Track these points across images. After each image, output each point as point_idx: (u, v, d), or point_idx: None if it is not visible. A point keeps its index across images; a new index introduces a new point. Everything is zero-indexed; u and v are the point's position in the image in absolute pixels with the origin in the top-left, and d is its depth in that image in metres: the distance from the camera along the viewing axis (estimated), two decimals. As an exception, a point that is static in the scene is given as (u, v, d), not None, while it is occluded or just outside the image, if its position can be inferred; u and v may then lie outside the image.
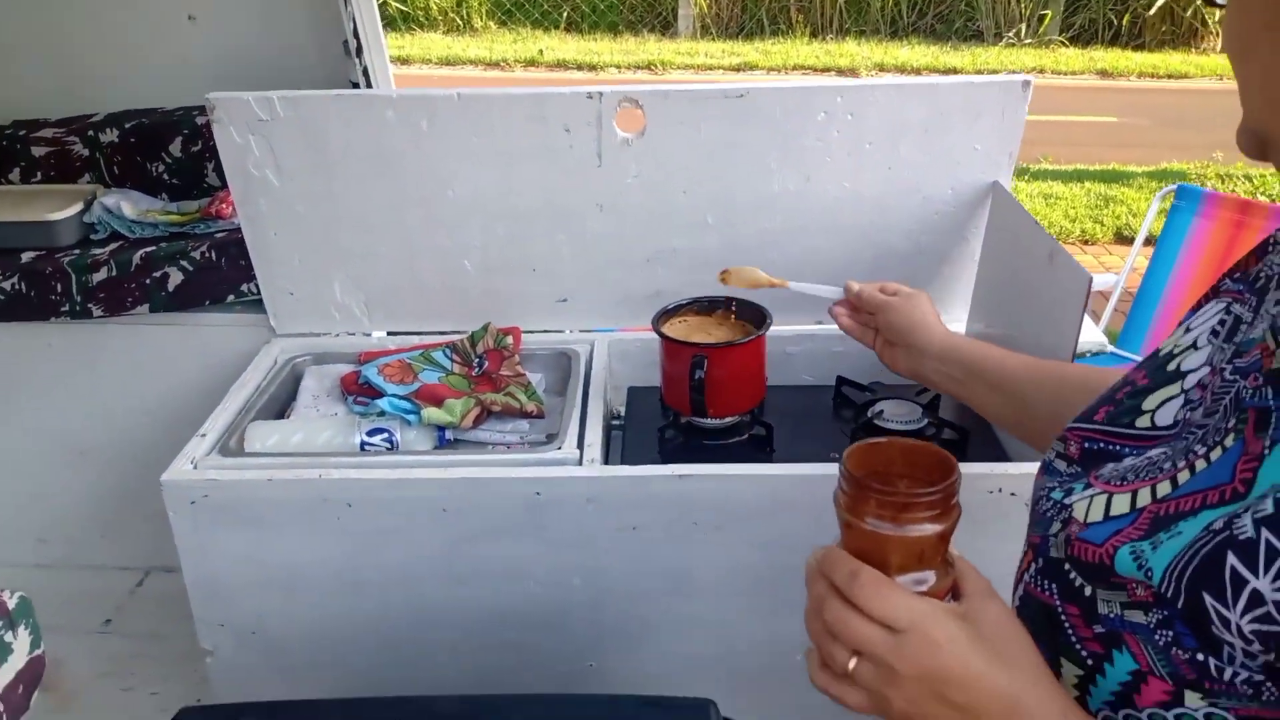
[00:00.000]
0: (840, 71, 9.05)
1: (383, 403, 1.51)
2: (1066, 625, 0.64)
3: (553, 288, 1.70)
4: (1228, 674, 0.57)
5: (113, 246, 1.87)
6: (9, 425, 1.97)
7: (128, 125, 2.01)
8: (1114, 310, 3.20)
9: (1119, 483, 0.65)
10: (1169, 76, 9.17)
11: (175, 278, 1.79)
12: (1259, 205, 2.98)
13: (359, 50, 1.85)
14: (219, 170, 2.03)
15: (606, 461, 1.48)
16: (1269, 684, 0.56)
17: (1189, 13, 9.89)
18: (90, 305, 1.80)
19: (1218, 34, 9.97)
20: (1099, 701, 0.63)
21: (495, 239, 1.65)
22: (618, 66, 9.44)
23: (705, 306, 1.56)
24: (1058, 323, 1.30)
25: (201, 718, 1.04)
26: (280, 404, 1.62)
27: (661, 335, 1.48)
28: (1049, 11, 10.13)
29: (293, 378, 1.67)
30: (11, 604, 1.12)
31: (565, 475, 1.35)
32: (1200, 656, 0.57)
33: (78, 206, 1.91)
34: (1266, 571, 0.53)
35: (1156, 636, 0.59)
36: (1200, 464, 0.61)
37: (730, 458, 1.45)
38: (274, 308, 1.75)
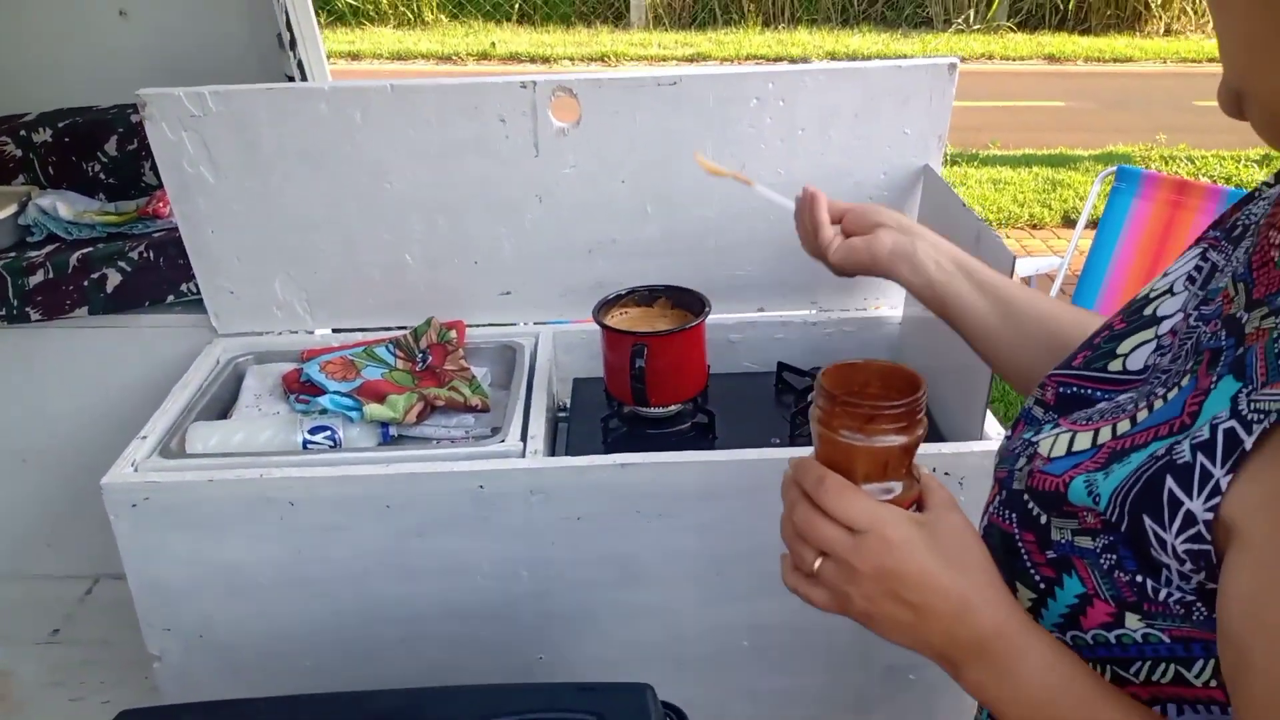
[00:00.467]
0: (793, 60, 9.09)
1: (325, 400, 1.50)
2: (1023, 551, 0.67)
3: (495, 280, 1.70)
4: (1163, 594, 0.60)
5: (49, 249, 1.84)
6: (-52, 434, 1.94)
7: (61, 124, 1.97)
8: (1059, 292, 3.25)
9: (1084, 422, 0.68)
10: (1114, 60, 9.31)
11: (114, 279, 1.77)
12: (1196, 185, 3.04)
13: (293, 43, 1.83)
14: (156, 169, 2.01)
15: (553, 453, 1.49)
16: (1199, 604, 0.59)
17: (1132, -4, 10.04)
18: (27, 309, 1.77)
19: (1160, 17, 10.13)
20: (1048, 624, 0.67)
21: (435, 232, 1.65)
22: (571, 58, 9.41)
23: (645, 297, 1.57)
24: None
25: (140, 720, 1.04)
26: (222, 404, 1.61)
27: (602, 326, 1.49)
28: (996, -3, 10.25)
29: (235, 377, 1.66)
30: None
31: (508, 468, 1.35)
32: (1140, 579, 0.61)
33: (12, 208, 1.88)
34: (1200, 493, 0.56)
35: (1102, 560, 0.62)
36: (1158, 404, 0.64)
37: (673, 446, 1.46)
38: (214, 307, 1.73)
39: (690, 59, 9.34)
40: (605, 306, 1.53)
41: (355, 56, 9.43)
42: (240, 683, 1.46)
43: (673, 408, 1.53)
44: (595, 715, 0.97)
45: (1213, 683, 0.61)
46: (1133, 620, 0.62)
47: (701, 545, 1.38)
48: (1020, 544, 0.68)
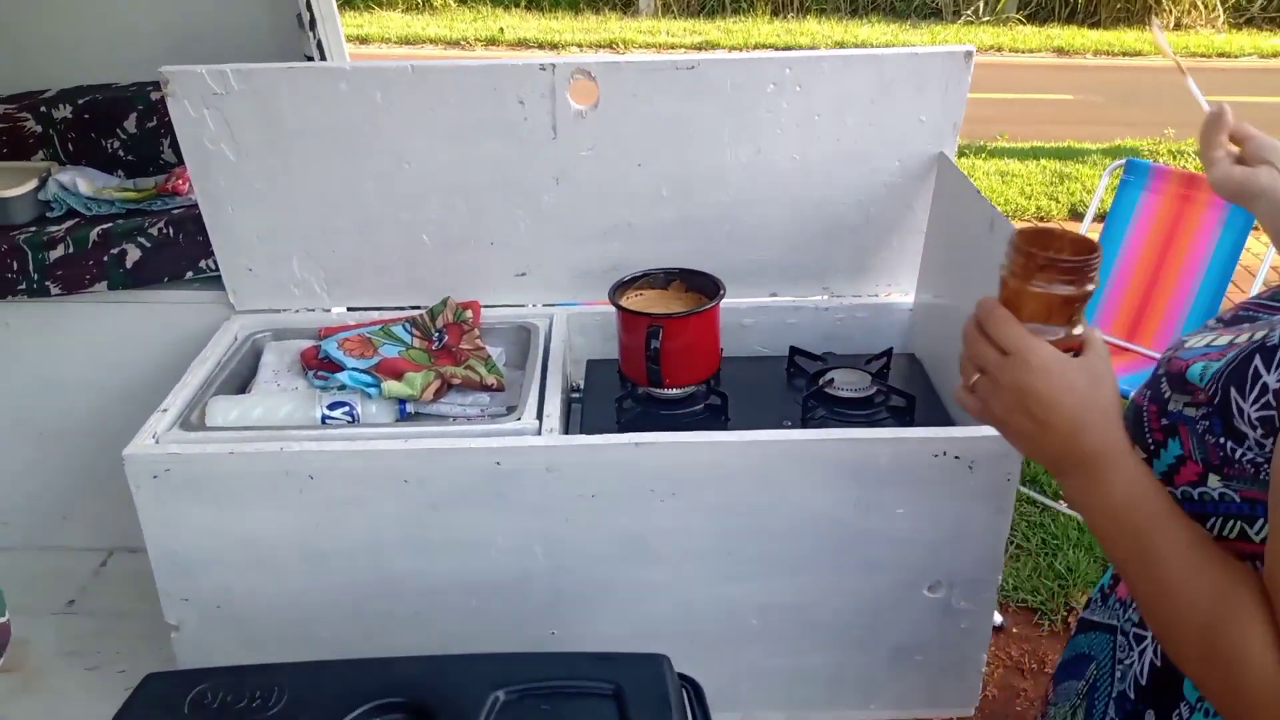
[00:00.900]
0: (801, 50, 9.08)
1: (343, 376, 1.52)
2: (1145, 419, 0.82)
3: (511, 261, 1.72)
4: (1238, 454, 0.73)
5: (69, 224, 1.86)
6: (-34, 407, 1.96)
7: (81, 101, 1.99)
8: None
9: (1232, 328, 0.81)
10: (1124, 54, 9.29)
11: (133, 254, 1.79)
12: (1204, 178, 3.04)
13: (312, 23, 1.84)
14: (175, 146, 2.01)
15: (566, 432, 1.51)
16: (1266, 466, 0.72)
17: (1143, -10, 10.01)
18: (48, 283, 1.79)
19: (1171, 11, 10.10)
20: None
21: (453, 213, 1.67)
22: (579, 45, 9.41)
23: (660, 280, 1.59)
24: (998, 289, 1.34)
25: (167, 683, 1.06)
26: (241, 379, 1.63)
27: (618, 307, 1.51)
28: (1006, -11, 10.22)
29: (253, 353, 1.68)
30: (-24, 573, 1.13)
31: (525, 445, 1.37)
32: (1224, 442, 0.74)
33: (32, 183, 1.89)
34: (1276, 369, 0.70)
35: (1199, 427, 0.76)
36: None
37: (686, 427, 1.49)
38: (233, 284, 1.75)
39: (699, 47, 9.34)
40: (620, 288, 1.55)
41: (363, 40, 9.43)
42: (257, 653, 1.48)
43: (686, 389, 1.55)
44: (612, 683, 0.99)
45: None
46: (1214, 480, 0.75)
47: (712, 524, 1.40)
48: (1145, 413, 0.82)
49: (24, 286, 1.80)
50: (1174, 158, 6.12)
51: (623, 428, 1.51)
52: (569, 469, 1.37)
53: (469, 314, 1.69)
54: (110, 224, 1.82)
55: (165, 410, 1.47)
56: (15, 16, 2.01)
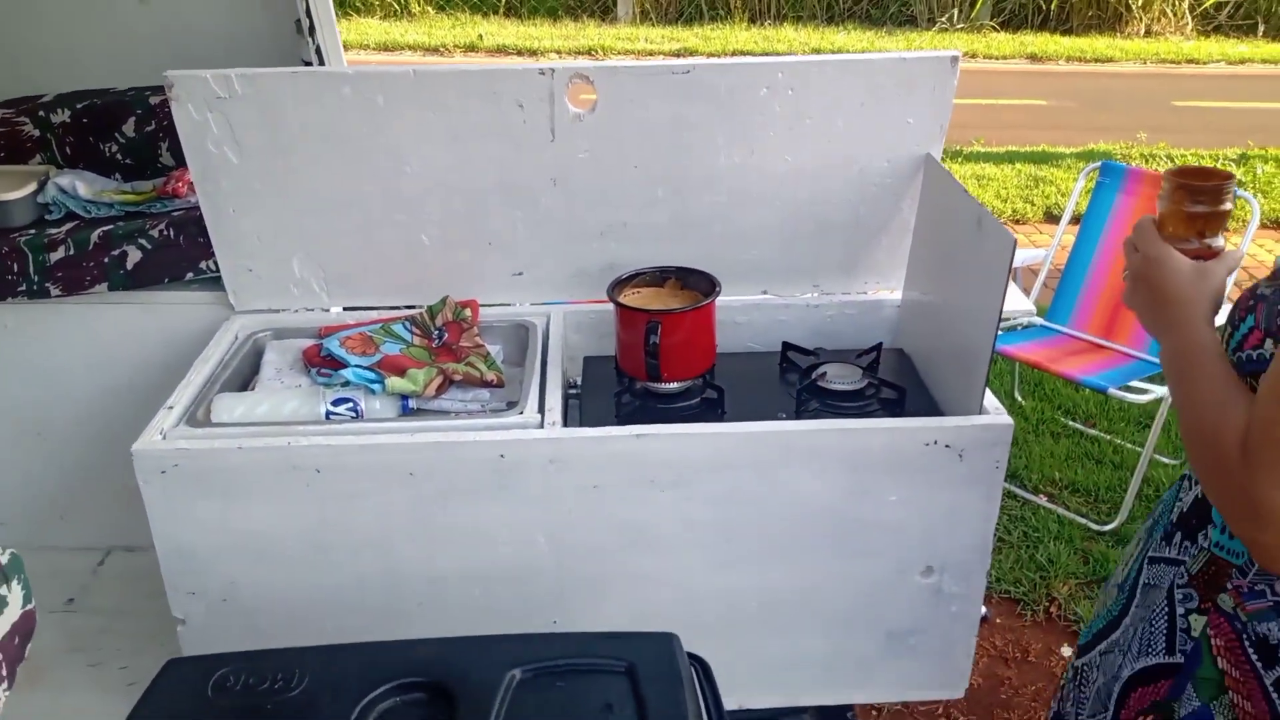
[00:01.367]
0: (795, 55, 9.16)
1: (347, 373, 1.55)
2: (1237, 305, 1.07)
3: (508, 262, 1.76)
4: None
5: (70, 225, 1.88)
6: (-36, 408, 1.97)
7: (79, 105, 2.01)
8: (1043, 285, 3.33)
9: None
10: (1095, 60, 9.44)
11: (134, 256, 1.81)
12: (1177, 180, 3.12)
13: (311, 29, 1.87)
14: (173, 150, 2.04)
15: (566, 426, 1.55)
16: None
17: (1113, -3, 10.16)
18: (48, 285, 1.80)
19: (1141, 19, 10.27)
20: (1232, 345, 1.05)
21: (451, 214, 1.70)
22: (558, 52, 9.45)
23: (656, 278, 1.64)
24: (986, 283, 1.39)
25: (188, 668, 1.09)
26: (244, 377, 1.66)
27: (617, 304, 1.55)
28: (980, -4, 10.34)
29: (254, 352, 1.71)
30: (4, 560, 1.16)
31: (528, 438, 1.41)
32: None
33: (31, 186, 1.91)
34: None
35: (1270, 303, 1.00)
36: None
37: (684, 419, 1.53)
38: (233, 285, 1.77)
39: (677, 54, 9.40)
40: (618, 286, 1.59)
41: (343, 47, 9.41)
42: (263, 645, 1.51)
43: (683, 383, 1.59)
44: (625, 661, 1.03)
45: None
46: (1269, 344, 0.99)
47: (712, 514, 1.44)
48: (1242, 298, 1.07)
49: (24, 288, 1.81)
50: (1146, 161, 6.24)
51: (621, 421, 1.54)
52: (571, 461, 1.40)
53: (468, 312, 1.72)
54: (111, 226, 1.84)
55: (171, 407, 1.50)
56: (13, 23, 2.03)
